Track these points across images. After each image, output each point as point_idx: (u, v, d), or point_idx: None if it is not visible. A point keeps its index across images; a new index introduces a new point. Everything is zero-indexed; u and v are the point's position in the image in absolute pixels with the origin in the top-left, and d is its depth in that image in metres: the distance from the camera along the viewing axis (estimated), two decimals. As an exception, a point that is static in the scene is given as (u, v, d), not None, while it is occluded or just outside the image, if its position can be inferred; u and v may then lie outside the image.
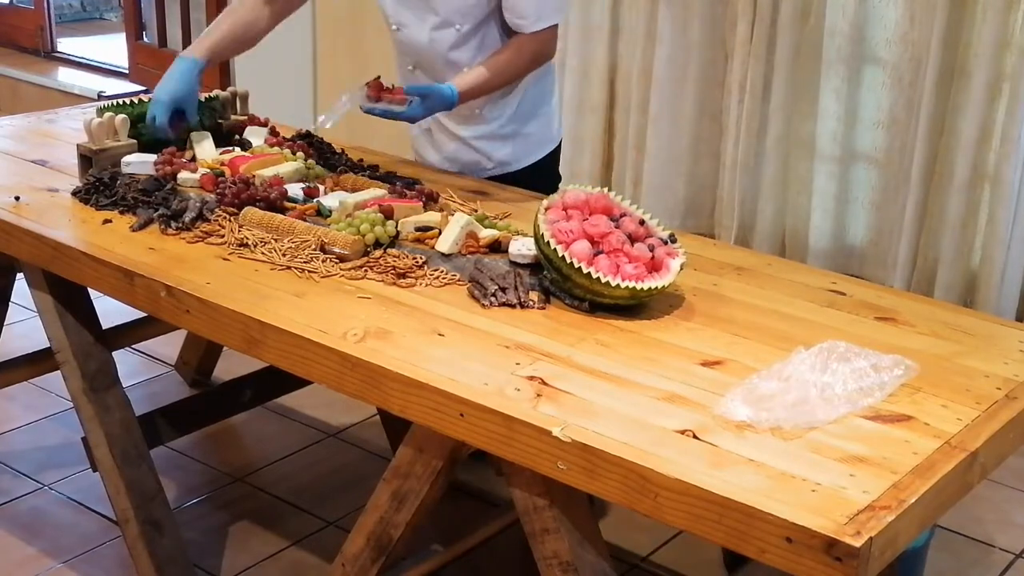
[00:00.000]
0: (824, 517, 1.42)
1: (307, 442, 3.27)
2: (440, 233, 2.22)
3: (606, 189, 2.15)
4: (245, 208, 2.32)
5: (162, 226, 2.30)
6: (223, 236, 2.26)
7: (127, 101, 2.71)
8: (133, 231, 2.30)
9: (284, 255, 2.17)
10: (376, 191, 2.42)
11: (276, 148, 2.66)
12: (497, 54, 2.60)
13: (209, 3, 4.83)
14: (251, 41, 2.77)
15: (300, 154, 2.62)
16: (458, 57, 2.62)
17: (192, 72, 2.61)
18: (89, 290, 2.39)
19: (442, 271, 2.12)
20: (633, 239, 2.05)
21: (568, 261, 1.96)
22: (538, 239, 2.01)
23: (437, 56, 2.63)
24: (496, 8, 2.58)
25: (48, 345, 2.52)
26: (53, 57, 6.07)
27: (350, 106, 2.54)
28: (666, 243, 2.07)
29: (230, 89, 2.88)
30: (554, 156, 2.85)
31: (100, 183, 2.45)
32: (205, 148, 2.62)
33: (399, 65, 2.77)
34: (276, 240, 2.22)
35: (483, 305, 2.00)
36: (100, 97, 5.24)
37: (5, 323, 2.88)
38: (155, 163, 2.53)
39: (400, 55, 2.75)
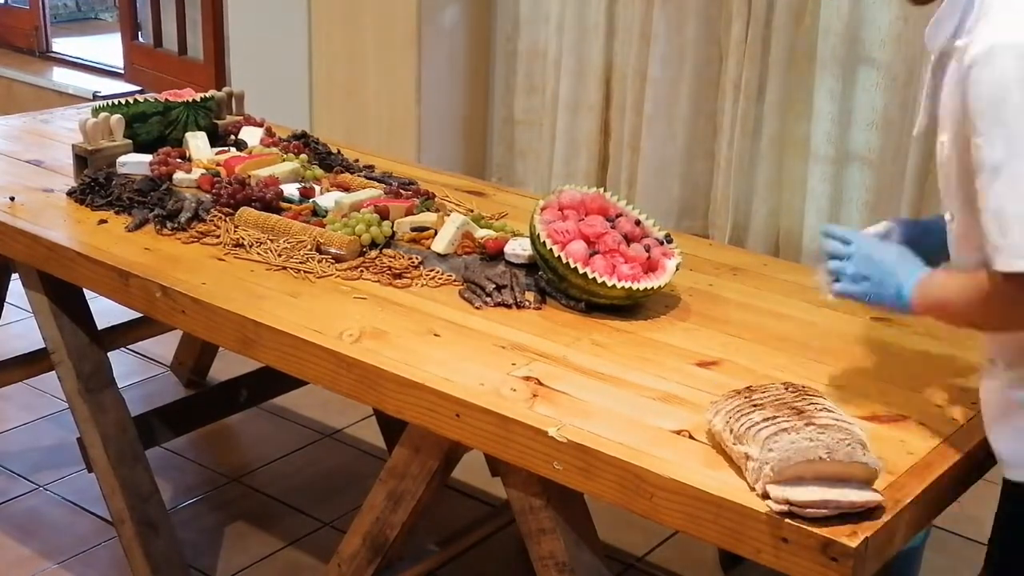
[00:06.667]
0: (820, 517, 1.42)
1: (303, 442, 3.27)
2: (436, 233, 2.22)
3: (602, 189, 2.15)
4: (241, 208, 2.32)
5: (158, 226, 2.30)
6: (219, 236, 2.26)
7: (122, 101, 2.70)
8: (128, 231, 2.30)
9: (280, 255, 2.17)
10: (372, 191, 2.42)
11: (272, 148, 2.66)
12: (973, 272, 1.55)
13: (204, 3, 4.81)
14: None
15: (298, 155, 2.62)
16: (959, 263, 1.64)
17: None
18: (84, 291, 2.39)
19: (438, 271, 2.12)
20: (629, 239, 2.05)
21: (564, 261, 1.96)
22: (534, 239, 2.01)
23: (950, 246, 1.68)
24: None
25: (43, 346, 2.52)
26: (48, 57, 6.05)
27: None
28: (662, 243, 2.08)
29: (225, 89, 2.88)
30: None
31: (95, 183, 2.45)
32: (200, 148, 2.62)
33: None
34: (272, 240, 2.22)
35: (475, 307, 2.00)
36: (95, 97, 5.21)
37: (0, 324, 2.87)
38: (151, 163, 2.53)
39: None
